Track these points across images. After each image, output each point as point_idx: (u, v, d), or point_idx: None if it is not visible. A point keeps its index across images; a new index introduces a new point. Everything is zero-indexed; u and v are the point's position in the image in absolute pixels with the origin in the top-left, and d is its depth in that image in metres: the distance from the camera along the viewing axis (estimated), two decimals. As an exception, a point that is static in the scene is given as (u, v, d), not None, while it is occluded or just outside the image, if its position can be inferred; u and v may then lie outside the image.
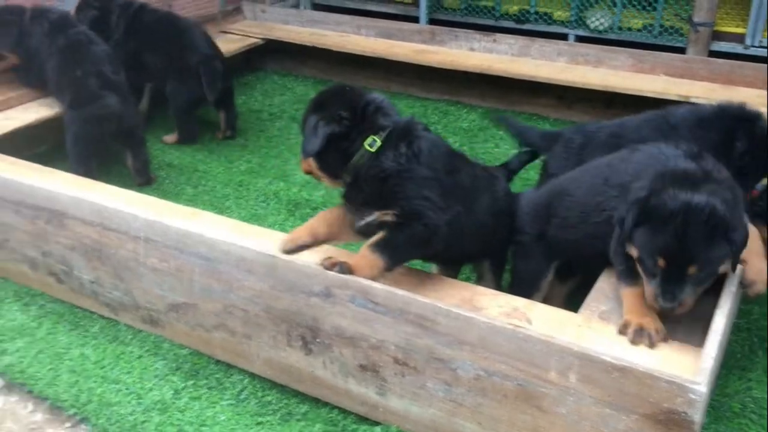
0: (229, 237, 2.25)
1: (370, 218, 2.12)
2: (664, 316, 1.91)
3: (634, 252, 1.93)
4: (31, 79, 3.69)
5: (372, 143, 2.10)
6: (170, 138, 4.01)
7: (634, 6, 4.70)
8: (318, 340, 2.15)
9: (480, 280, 2.47)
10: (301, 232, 2.22)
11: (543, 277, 2.40)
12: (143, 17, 3.96)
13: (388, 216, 2.08)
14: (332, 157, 2.15)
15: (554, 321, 2.00)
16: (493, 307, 2.09)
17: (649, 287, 1.90)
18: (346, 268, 2.03)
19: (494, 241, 2.42)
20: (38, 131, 3.56)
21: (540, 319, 2.01)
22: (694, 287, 1.86)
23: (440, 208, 2.09)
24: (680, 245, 1.82)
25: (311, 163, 2.19)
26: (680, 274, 1.85)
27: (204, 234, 2.25)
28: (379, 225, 2.10)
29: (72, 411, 2.23)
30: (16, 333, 2.52)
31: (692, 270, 1.84)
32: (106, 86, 3.36)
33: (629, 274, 2.00)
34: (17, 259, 2.70)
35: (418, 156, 2.10)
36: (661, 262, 1.85)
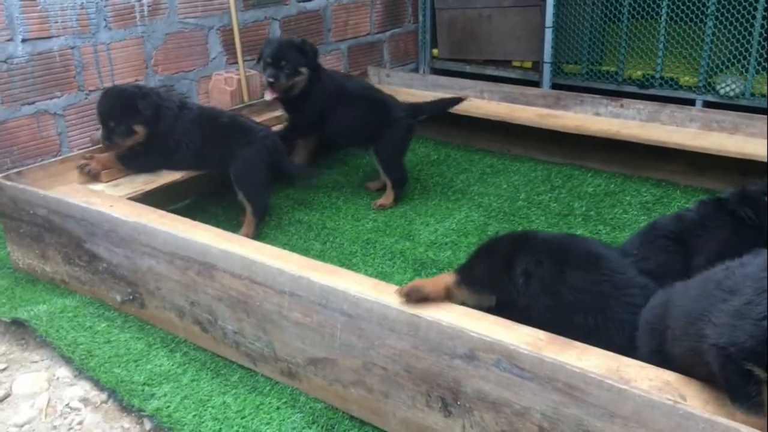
0: (372, 294, 2.31)
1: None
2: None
3: None
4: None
5: None
6: (383, 195, 4.14)
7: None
8: (459, 402, 2.14)
9: None
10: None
11: None
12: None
13: None
14: None
15: (711, 400, 1.91)
16: (643, 380, 2.02)
17: None
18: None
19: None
20: (183, 187, 3.81)
21: (695, 397, 1.93)
22: None
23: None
24: None
25: None
26: None
27: (348, 291, 2.32)
28: None
29: (216, 458, 2.31)
30: (163, 378, 2.65)
31: None
32: None
33: (751, 400, 1.76)
34: (166, 307, 2.85)
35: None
36: None
